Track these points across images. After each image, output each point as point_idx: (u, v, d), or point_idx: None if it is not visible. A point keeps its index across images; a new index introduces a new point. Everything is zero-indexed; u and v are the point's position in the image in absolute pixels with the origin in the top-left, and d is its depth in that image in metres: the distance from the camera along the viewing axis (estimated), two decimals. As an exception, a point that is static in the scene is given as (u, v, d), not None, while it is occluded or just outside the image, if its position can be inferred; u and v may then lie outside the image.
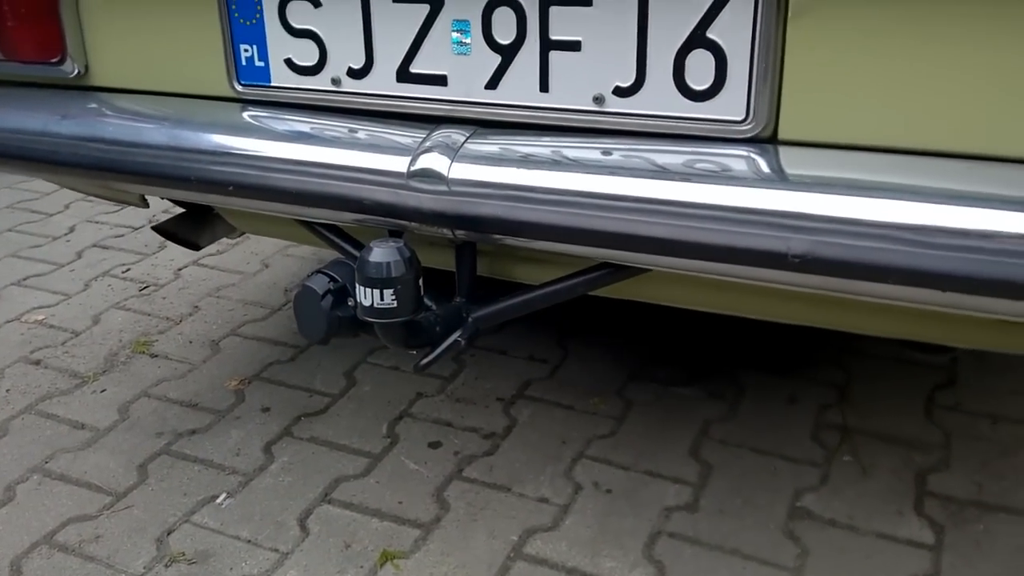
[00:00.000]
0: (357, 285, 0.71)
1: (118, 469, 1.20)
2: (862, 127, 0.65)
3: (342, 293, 0.77)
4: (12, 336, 1.55)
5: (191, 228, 1.17)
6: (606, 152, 0.72)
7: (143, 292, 1.70)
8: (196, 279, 1.75)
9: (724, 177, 0.66)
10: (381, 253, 0.70)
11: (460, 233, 0.76)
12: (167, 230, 1.18)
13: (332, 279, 0.78)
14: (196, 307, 1.64)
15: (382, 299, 0.70)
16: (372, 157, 0.78)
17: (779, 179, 0.66)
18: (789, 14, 0.64)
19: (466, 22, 0.75)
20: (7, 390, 1.39)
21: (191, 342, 1.52)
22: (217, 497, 1.14)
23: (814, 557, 1.03)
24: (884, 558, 1.02)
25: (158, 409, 1.33)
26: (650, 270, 0.75)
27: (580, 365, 1.42)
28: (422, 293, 0.73)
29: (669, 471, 1.17)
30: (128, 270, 1.80)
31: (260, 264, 1.82)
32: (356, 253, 0.84)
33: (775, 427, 1.26)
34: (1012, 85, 0.60)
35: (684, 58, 0.69)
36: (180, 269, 1.80)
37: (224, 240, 1.57)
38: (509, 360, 1.44)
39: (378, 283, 0.70)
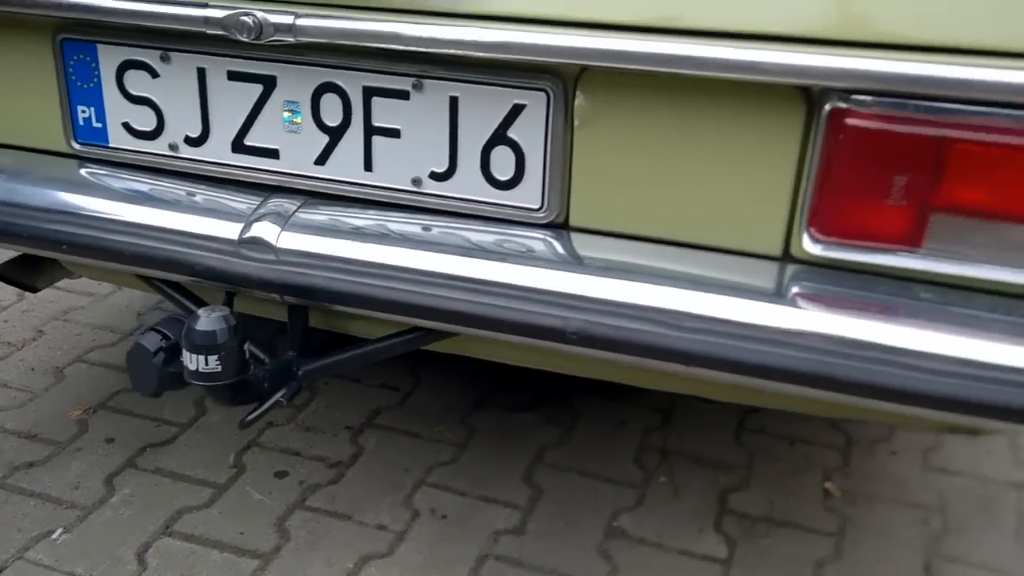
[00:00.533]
0: (183, 350, 0.77)
1: (-49, 506, 1.21)
2: (632, 219, 0.77)
3: (174, 350, 0.83)
4: None
5: (26, 272, 1.18)
6: (423, 228, 0.82)
7: (-18, 314, 1.68)
8: (42, 301, 1.73)
9: (519, 257, 0.77)
10: (206, 322, 0.77)
11: (288, 298, 0.84)
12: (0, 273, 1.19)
13: (164, 336, 0.83)
14: (40, 331, 1.63)
15: (207, 364, 0.77)
16: (205, 223, 0.84)
17: (565, 261, 0.77)
18: (575, 123, 0.75)
19: (296, 103, 0.83)
20: None
21: (33, 369, 1.52)
22: (53, 532, 1.17)
23: (622, 574, 1.16)
24: (682, 572, 1.16)
25: (-5, 441, 1.33)
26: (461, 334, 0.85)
27: (430, 393, 1.51)
28: (247, 357, 0.80)
29: (502, 496, 1.28)
30: (-34, 290, 1.77)
31: (112, 285, 1.81)
32: (194, 309, 0.90)
33: (603, 450, 1.39)
34: (731, 196, 0.73)
35: (489, 152, 0.78)
36: (24, 289, 1.77)
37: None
38: (361, 388, 1.51)
39: (203, 350, 0.76)
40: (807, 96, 0.68)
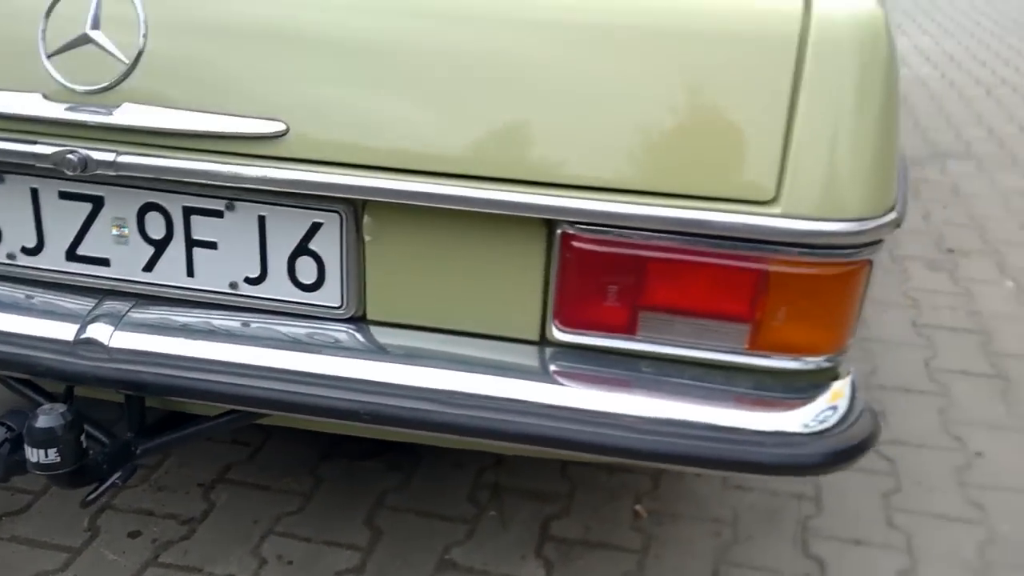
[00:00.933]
0: (25, 443, 0.89)
1: None
2: (420, 313, 0.94)
3: (18, 441, 0.93)
4: None
5: None
6: (242, 325, 0.96)
7: None
8: None
9: (323, 348, 0.92)
10: (44, 420, 0.88)
11: (123, 392, 0.96)
12: None
13: (9, 428, 0.94)
14: None
15: (47, 456, 0.88)
16: (42, 325, 0.95)
17: (364, 350, 0.92)
18: (365, 238, 0.91)
19: (123, 219, 0.95)
20: None
21: None
22: (-89, 609, 1.24)
23: (449, 604, 1.32)
24: (505, 598, 1.34)
25: None
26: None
27: (279, 447, 1.63)
28: (84, 445, 0.91)
29: (345, 539, 1.42)
30: None
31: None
32: (41, 401, 1.01)
33: (439, 491, 1.54)
34: (497, 295, 0.90)
35: (295, 260, 0.93)
36: None
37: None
38: (213, 445, 1.62)
39: (43, 444, 0.88)
40: (547, 223, 0.86)
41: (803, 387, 0.90)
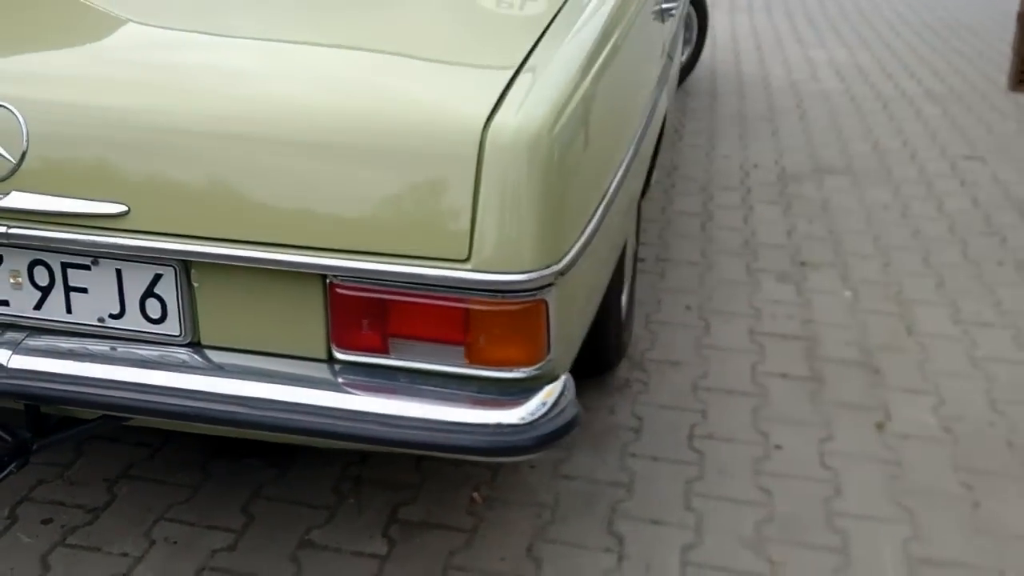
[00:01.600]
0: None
1: None
2: (241, 338, 1.31)
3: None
4: None
5: None
6: (110, 349, 1.32)
7: None
8: None
9: (162, 364, 1.29)
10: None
11: (21, 401, 1.33)
12: None
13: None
14: None
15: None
16: (-47, 351, 1.32)
17: (197, 367, 1.30)
18: (194, 284, 1.28)
19: (18, 271, 1.32)
20: None
21: None
22: None
23: (305, 572, 1.69)
24: (352, 568, 1.70)
25: None
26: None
27: (177, 447, 1.99)
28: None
29: (223, 523, 1.78)
30: None
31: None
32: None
33: (309, 483, 1.91)
34: (292, 324, 1.28)
35: (145, 301, 1.30)
36: None
37: None
38: (119, 446, 1.98)
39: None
40: (321, 275, 1.24)
41: (517, 391, 1.27)
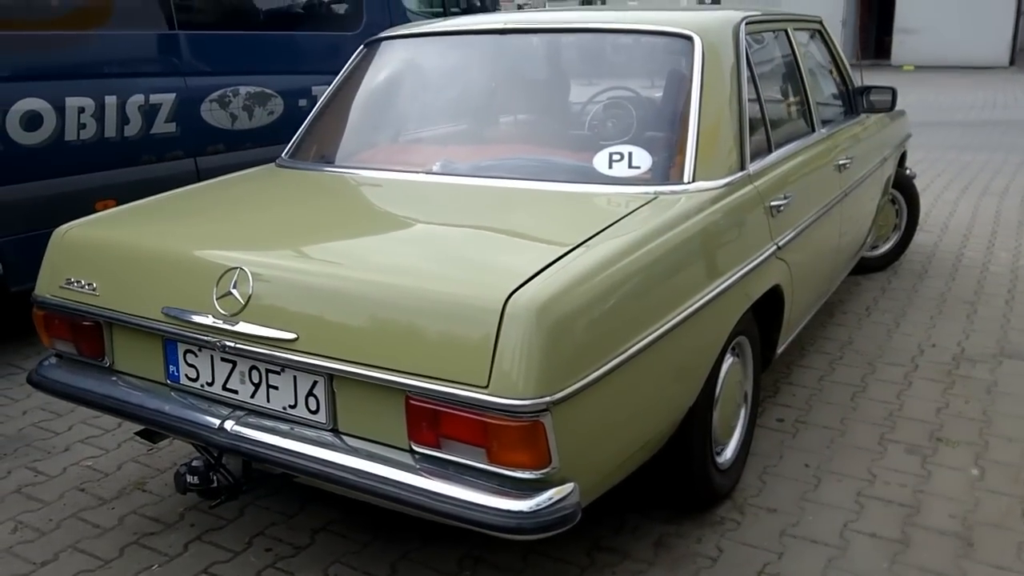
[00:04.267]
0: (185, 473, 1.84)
1: None
2: (372, 432, 1.78)
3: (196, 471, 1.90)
4: None
5: None
6: (289, 429, 1.86)
7: None
8: None
9: (314, 441, 1.79)
10: (196, 462, 1.83)
11: (239, 456, 1.90)
12: None
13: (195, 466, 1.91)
14: None
15: (193, 479, 1.82)
16: (202, 418, 1.92)
17: (333, 446, 1.78)
18: (335, 390, 1.78)
19: (244, 371, 1.91)
20: None
21: None
22: None
23: None
24: None
25: None
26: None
27: (361, 512, 2.48)
28: (212, 478, 1.85)
29: (375, 572, 2.22)
30: None
31: None
32: (209, 456, 1.98)
33: (442, 555, 2.29)
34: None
35: (308, 397, 1.83)
36: None
37: None
38: (327, 507, 2.51)
39: (191, 473, 1.83)
40: (403, 391, 1.69)
41: (527, 488, 1.60)
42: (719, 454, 2.47)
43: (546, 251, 1.78)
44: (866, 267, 4.65)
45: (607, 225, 1.95)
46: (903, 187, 4.69)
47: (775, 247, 2.52)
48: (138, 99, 3.90)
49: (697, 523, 2.40)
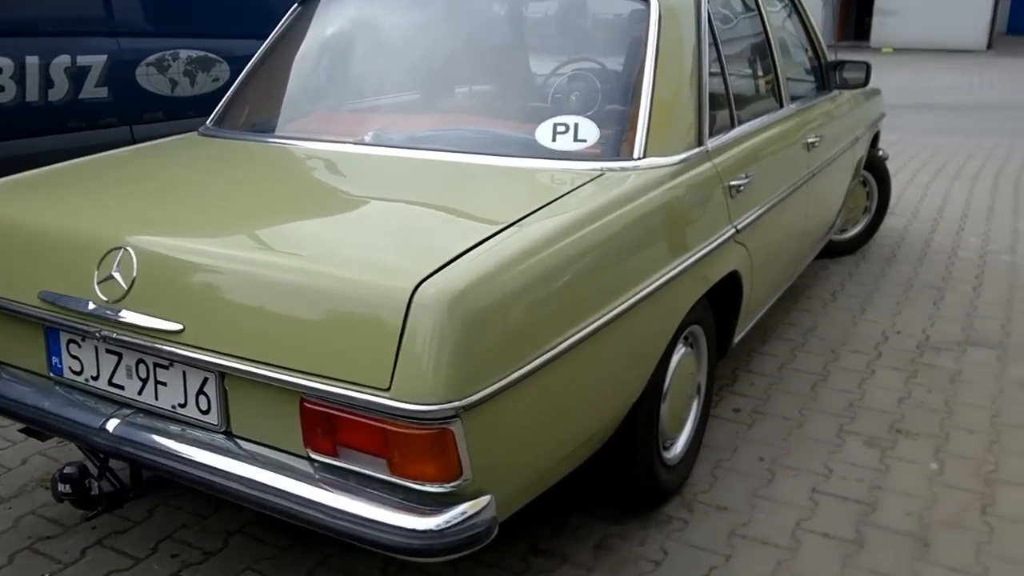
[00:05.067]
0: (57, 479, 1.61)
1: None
2: (262, 435, 1.56)
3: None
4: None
5: None
6: (181, 431, 1.63)
7: None
8: None
9: (205, 445, 1.56)
10: (68, 469, 1.60)
11: (120, 459, 1.67)
12: None
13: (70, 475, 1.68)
14: None
15: (64, 488, 1.60)
16: (81, 415, 1.69)
17: (224, 450, 1.56)
18: (226, 388, 1.56)
19: (131, 365, 1.68)
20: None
21: None
22: None
23: None
24: None
25: None
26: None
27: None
28: (89, 487, 1.62)
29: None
30: None
31: None
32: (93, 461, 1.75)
33: (364, 562, 2.09)
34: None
35: (198, 396, 1.60)
36: None
37: None
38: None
39: (63, 481, 1.60)
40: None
41: (435, 503, 1.39)
42: (667, 449, 2.28)
43: (469, 232, 1.55)
44: (834, 250, 4.47)
45: (544, 204, 1.73)
46: (875, 169, 4.50)
47: (733, 230, 2.31)
48: (64, 60, 3.58)
49: (643, 523, 2.21)
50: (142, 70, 3.91)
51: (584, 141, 2.05)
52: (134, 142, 3.84)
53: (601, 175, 1.95)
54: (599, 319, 1.67)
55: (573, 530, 2.18)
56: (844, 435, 2.64)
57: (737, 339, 2.61)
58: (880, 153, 4.59)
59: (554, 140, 2.07)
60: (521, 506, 1.64)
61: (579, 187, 1.86)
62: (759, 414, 2.78)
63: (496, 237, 1.54)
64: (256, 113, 2.63)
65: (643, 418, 2.05)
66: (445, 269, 1.40)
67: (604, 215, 1.77)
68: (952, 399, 2.86)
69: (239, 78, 2.73)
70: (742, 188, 2.36)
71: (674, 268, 1.97)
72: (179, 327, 1.54)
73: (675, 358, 2.19)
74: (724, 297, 2.46)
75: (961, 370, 3.09)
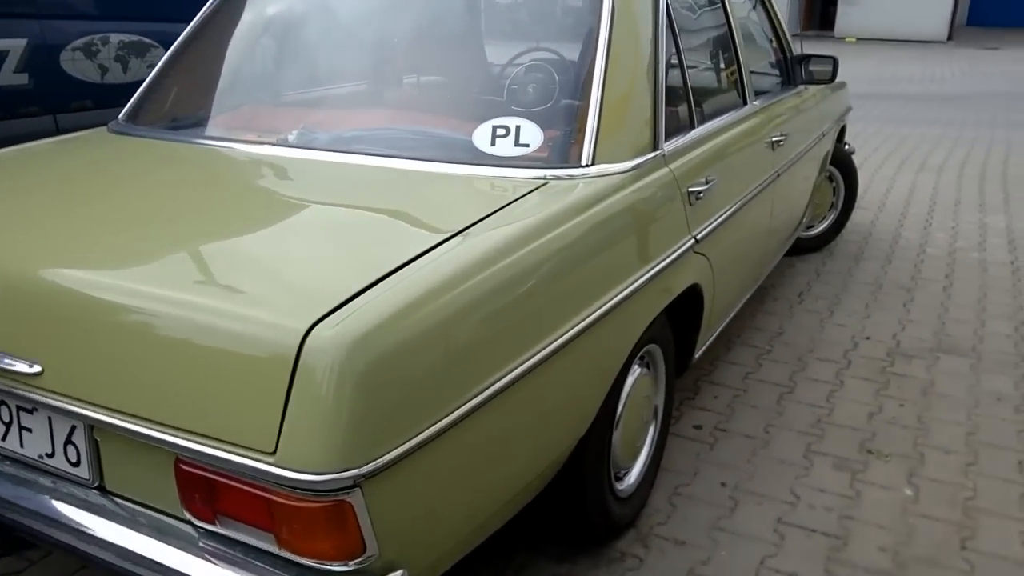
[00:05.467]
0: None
1: None
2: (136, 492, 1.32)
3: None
4: None
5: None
6: (51, 483, 1.38)
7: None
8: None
9: (77, 504, 1.32)
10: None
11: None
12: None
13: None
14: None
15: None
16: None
17: (96, 509, 1.31)
18: (96, 439, 1.31)
19: (-5, 407, 1.43)
20: None
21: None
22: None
23: None
24: None
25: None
26: None
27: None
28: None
29: None
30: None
31: None
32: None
33: None
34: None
35: (66, 445, 1.35)
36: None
37: None
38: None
39: None
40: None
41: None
42: (620, 479, 2.08)
43: (379, 260, 1.30)
44: (800, 248, 4.29)
45: (474, 221, 1.49)
46: (841, 163, 4.32)
47: (692, 240, 2.10)
48: (-24, 45, 3.27)
49: (594, 560, 2.00)
50: (67, 55, 3.60)
51: (526, 146, 1.82)
52: (58, 132, 3.55)
53: (544, 184, 1.73)
54: (538, 353, 1.45)
55: (517, 570, 1.97)
56: (812, 456, 2.45)
57: (698, 354, 2.41)
58: (846, 147, 4.41)
59: (493, 144, 1.83)
60: (445, 570, 1.42)
61: (517, 199, 1.63)
62: (722, 431, 2.59)
63: (412, 264, 1.30)
64: (174, 107, 2.36)
65: (593, 449, 1.83)
66: (346, 306, 1.17)
67: (545, 232, 1.54)
68: (925, 414, 2.69)
69: (156, 68, 2.45)
70: (702, 195, 2.15)
71: (626, 287, 1.75)
72: (37, 370, 1.29)
73: (629, 381, 1.98)
74: (684, 310, 2.26)
75: (934, 380, 2.92)
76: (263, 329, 1.14)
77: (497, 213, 1.55)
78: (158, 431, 1.19)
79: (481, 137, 1.85)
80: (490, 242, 1.43)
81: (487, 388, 1.33)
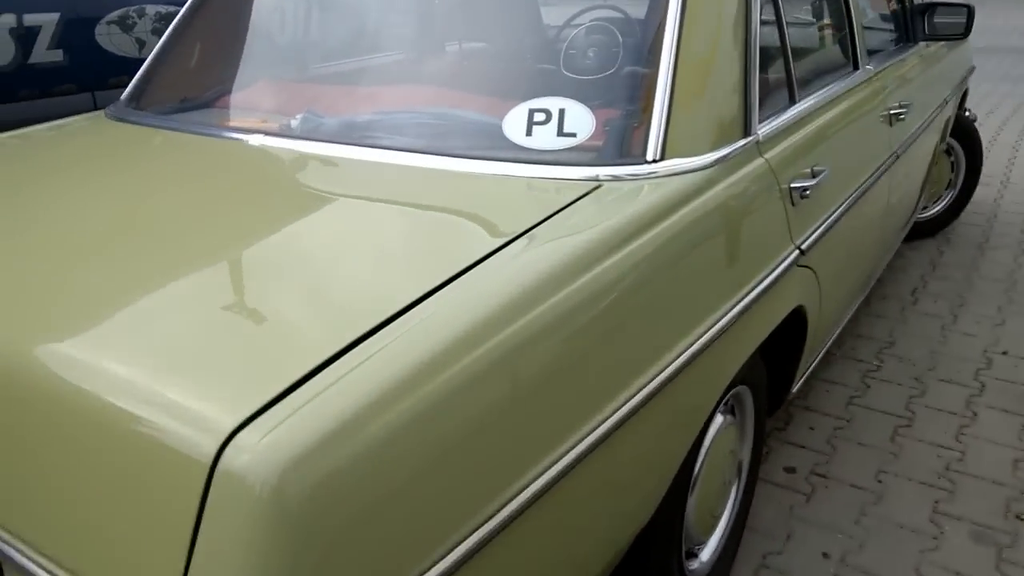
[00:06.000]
0: None
1: None
2: None
3: None
4: None
5: None
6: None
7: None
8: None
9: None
10: None
11: None
12: None
13: None
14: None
15: None
16: None
17: None
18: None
19: None
20: None
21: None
22: None
23: None
24: None
25: None
26: None
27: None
28: None
29: None
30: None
31: None
32: None
33: None
34: None
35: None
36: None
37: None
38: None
39: None
40: None
41: None
42: (694, 556, 1.63)
43: (342, 323, 0.88)
44: (912, 232, 3.69)
45: (489, 252, 1.05)
46: (962, 134, 3.68)
47: (797, 252, 1.60)
48: (8, 20, 3.02)
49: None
50: (103, 29, 3.33)
51: (572, 135, 1.36)
52: (96, 109, 3.29)
53: (597, 188, 1.27)
54: (592, 433, 1.01)
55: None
56: (941, 519, 1.94)
57: (796, 387, 1.92)
58: (968, 115, 3.75)
59: (529, 133, 1.38)
60: None
61: (558, 211, 1.18)
62: (820, 477, 2.09)
63: (394, 323, 0.88)
64: (175, 91, 1.98)
65: (660, 532, 1.40)
66: (280, 404, 0.75)
67: (595, 263, 1.09)
68: (1086, 462, 2.14)
69: (156, 48, 2.09)
70: (808, 191, 1.64)
71: (710, 327, 1.29)
72: None
73: (711, 432, 1.52)
74: (782, 337, 1.78)
75: (1092, 413, 2.35)
76: (169, 439, 0.74)
77: (524, 236, 1.10)
78: (40, 566, 0.81)
79: (514, 124, 1.40)
80: (512, 285, 0.99)
81: (503, 507, 0.90)
